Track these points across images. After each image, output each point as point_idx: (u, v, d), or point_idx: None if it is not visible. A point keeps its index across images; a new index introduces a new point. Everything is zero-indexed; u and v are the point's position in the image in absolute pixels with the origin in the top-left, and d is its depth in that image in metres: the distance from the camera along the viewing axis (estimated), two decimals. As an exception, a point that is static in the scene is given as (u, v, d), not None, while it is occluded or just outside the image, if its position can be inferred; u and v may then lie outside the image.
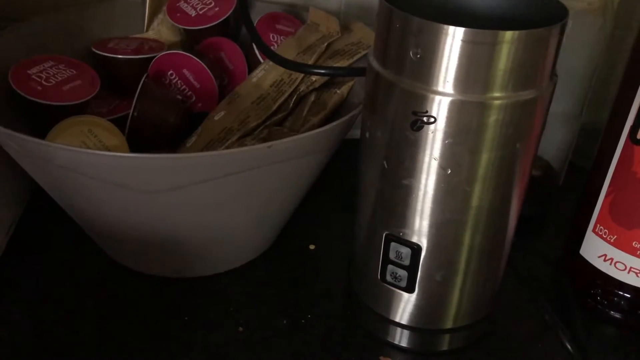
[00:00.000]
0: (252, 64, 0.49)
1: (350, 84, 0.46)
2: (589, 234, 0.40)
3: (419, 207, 0.33)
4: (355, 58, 0.46)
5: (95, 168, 0.34)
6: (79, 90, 0.42)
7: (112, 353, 0.37)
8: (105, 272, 0.43)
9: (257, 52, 0.48)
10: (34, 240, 0.45)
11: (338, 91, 0.46)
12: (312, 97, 0.46)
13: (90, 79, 0.43)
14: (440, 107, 0.29)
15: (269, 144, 0.33)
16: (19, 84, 0.40)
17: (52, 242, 0.46)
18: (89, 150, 0.36)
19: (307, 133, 0.36)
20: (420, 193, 0.32)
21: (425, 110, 0.30)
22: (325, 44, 0.47)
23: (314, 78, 0.46)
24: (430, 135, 0.30)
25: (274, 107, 0.45)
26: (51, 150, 0.34)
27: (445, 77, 0.29)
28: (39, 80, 0.41)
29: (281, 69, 0.46)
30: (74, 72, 0.43)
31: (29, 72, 0.41)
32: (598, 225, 0.39)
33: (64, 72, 0.42)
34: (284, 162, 0.36)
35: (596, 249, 0.40)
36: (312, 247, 0.46)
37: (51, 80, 0.41)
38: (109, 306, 0.41)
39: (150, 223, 0.38)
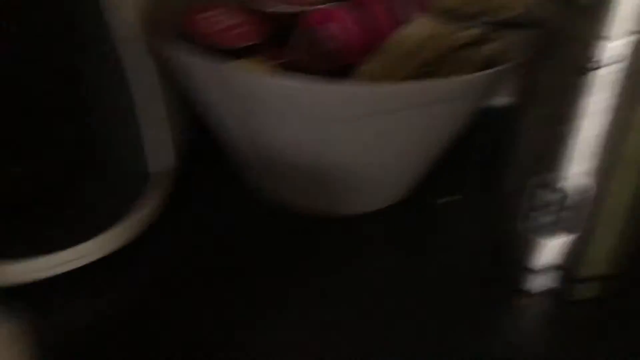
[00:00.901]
0: (404, 19, 0.49)
1: (504, 41, 0.46)
2: None
3: (575, 154, 0.33)
4: (512, 13, 0.46)
5: (277, 95, 0.37)
6: (244, 36, 0.45)
7: (246, 290, 0.39)
8: (256, 212, 0.46)
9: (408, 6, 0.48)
10: (191, 179, 0.49)
11: (492, 47, 0.45)
12: (466, 53, 0.46)
13: (257, 26, 0.46)
14: (611, 53, 0.29)
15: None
16: (191, 26, 0.43)
17: (209, 179, 0.49)
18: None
19: (476, 74, 0.38)
20: (578, 139, 0.32)
21: (594, 56, 0.29)
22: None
23: (469, 33, 0.46)
24: (599, 81, 0.30)
25: (425, 62, 0.45)
26: (248, 79, 0.37)
27: (618, 23, 0.28)
28: (210, 24, 0.44)
29: (433, 24, 0.46)
30: (242, 19, 0.46)
31: (201, 16, 0.44)
32: None
33: (232, 18, 0.45)
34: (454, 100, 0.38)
35: None
36: (453, 198, 0.47)
37: (220, 25, 0.44)
38: (251, 244, 0.43)
39: (313, 155, 0.41)
